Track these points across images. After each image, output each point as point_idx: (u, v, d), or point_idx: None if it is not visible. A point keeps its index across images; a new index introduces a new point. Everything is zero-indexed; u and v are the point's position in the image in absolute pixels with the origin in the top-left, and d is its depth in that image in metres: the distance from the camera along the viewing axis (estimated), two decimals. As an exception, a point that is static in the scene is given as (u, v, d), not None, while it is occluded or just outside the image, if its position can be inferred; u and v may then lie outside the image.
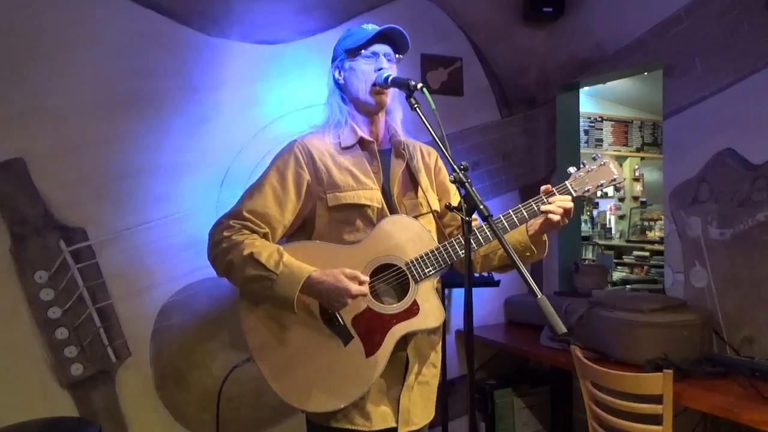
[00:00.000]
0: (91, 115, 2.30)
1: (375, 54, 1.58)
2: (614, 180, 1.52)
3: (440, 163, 1.78)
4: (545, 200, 1.51)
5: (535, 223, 1.55)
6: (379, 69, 1.56)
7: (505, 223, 1.51)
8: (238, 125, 2.56)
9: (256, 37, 2.61)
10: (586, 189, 1.53)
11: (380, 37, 1.58)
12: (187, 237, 2.41)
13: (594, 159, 1.55)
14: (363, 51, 1.58)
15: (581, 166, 1.56)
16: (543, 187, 1.53)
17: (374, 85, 1.56)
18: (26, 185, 2.20)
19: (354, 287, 1.44)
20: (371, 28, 1.60)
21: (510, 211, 1.52)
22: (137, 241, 2.38)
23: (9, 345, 2.18)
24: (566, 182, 1.54)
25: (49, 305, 2.23)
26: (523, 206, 1.52)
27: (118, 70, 2.34)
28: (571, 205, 1.50)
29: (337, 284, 1.44)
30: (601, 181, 1.53)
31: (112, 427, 2.33)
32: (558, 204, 1.49)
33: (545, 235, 1.59)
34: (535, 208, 1.51)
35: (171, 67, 2.43)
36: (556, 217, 1.48)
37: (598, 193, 1.55)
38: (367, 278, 1.48)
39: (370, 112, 1.62)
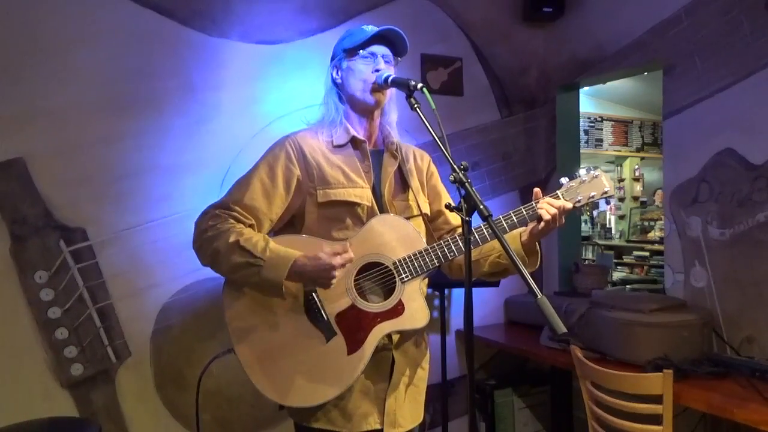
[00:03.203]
0: (91, 115, 2.30)
1: (373, 54, 1.59)
2: (605, 193, 1.53)
3: (433, 167, 1.79)
4: (535, 206, 1.51)
5: (527, 230, 1.54)
6: (377, 70, 1.57)
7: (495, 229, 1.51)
8: (238, 125, 2.56)
9: (256, 37, 2.61)
10: (578, 200, 1.53)
11: (379, 39, 1.59)
12: (187, 237, 2.36)
13: (587, 171, 1.56)
14: (361, 51, 1.59)
15: (574, 176, 1.56)
16: (534, 191, 1.53)
17: (372, 84, 1.57)
18: (26, 185, 2.20)
19: (336, 260, 1.43)
20: (371, 29, 1.61)
21: (500, 216, 1.53)
22: (137, 241, 2.38)
23: (9, 345, 2.18)
24: (558, 191, 1.55)
25: (49, 305, 2.23)
26: (513, 212, 1.53)
27: (118, 70, 2.34)
28: (561, 203, 1.50)
29: (319, 262, 1.43)
30: (593, 193, 1.53)
31: (112, 427, 2.33)
32: (548, 201, 1.49)
33: (537, 244, 1.58)
34: (525, 215, 1.51)
35: (171, 67, 2.43)
36: (547, 216, 1.47)
37: (594, 203, 1.56)
38: (348, 248, 1.46)
39: (366, 110, 1.63)
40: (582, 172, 1.57)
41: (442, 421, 2.86)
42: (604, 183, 1.54)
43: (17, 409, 2.12)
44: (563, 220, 1.50)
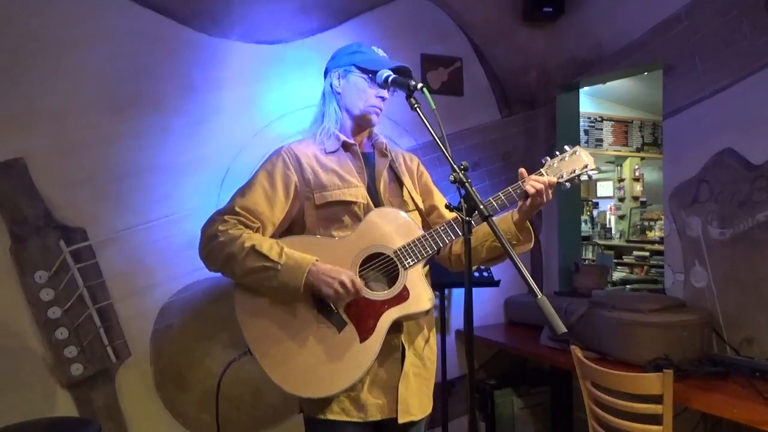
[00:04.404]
0: (91, 115, 2.30)
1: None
2: (586, 167, 1.61)
3: (422, 168, 1.86)
4: (521, 185, 1.57)
5: (517, 209, 1.61)
6: (381, 97, 1.65)
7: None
8: (238, 125, 2.56)
9: (256, 37, 2.61)
10: (560, 175, 1.60)
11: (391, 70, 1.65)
12: (187, 237, 2.41)
13: (567, 149, 1.64)
14: (371, 75, 1.64)
15: (555, 155, 1.63)
16: (520, 171, 1.59)
17: (372, 107, 1.65)
18: (26, 185, 2.20)
19: (347, 278, 1.50)
20: (382, 54, 1.70)
21: (491, 198, 1.58)
22: (137, 241, 2.38)
23: (9, 345, 2.18)
24: (541, 170, 1.61)
25: (49, 305, 2.23)
26: (502, 192, 1.59)
27: (119, 71, 2.34)
28: (546, 178, 1.56)
29: (332, 272, 1.50)
30: (574, 168, 1.61)
31: (112, 427, 2.33)
32: (533, 178, 1.56)
33: (529, 222, 1.64)
34: (513, 194, 1.58)
35: (171, 67, 2.43)
36: (532, 190, 1.53)
37: (579, 178, 1.62)
38: (362, 287, 1.54)
39: (360, 124, 1.71)
40: (563, 149, 1.64)
41: (442, 421, 2.86)
42: (584, 158, 1.61)
43: (17, 409, 2.12)
44: (551, 195, 1.57)
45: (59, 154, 2.25)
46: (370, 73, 1.64)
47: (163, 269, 2.42)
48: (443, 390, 2.85)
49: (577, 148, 1.63)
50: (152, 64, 2.40)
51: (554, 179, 1.58)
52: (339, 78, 1.68)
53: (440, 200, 1.81)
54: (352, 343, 1.55)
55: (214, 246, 1.56)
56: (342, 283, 1.49)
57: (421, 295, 1.60)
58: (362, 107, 1.66)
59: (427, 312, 1.65)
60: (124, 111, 2.35)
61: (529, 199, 1.55)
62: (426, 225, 1.76)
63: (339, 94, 1.68)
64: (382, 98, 1.66)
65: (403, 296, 1.58)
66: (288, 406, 2.58)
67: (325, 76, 1.74)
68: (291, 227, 1.68)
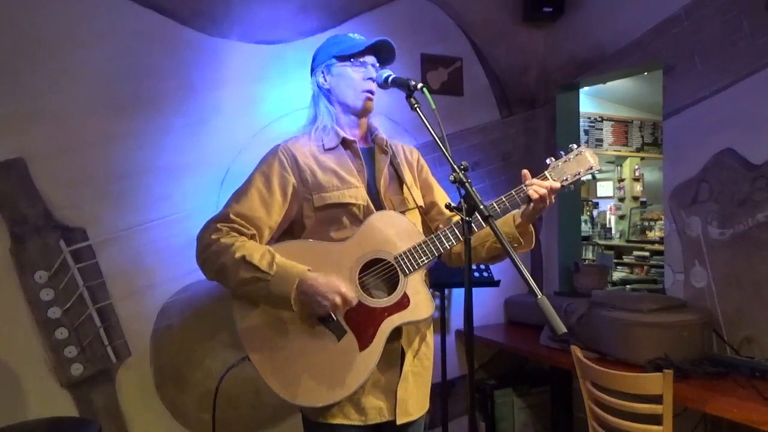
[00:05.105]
0: (91, 115, 2.30)
1: (364, 63, 1.64)
2: (590, 168, 1.57)
3: (422, 161, 1.83)
4: (524, 188, 1.54)
5: (519, 212, 1.59)
6: (369, 78, 1.62)
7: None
8: (238, 125, 2.56)
9: (256, 37, 2.61)
10: (564, 178, 1.57)
11: (370, 48, 1.64)
12: (187, 237, 2.40)
13: (571, 149, 1.59)
14: (353, 59, 1.63)
15: (560, 155, 1.60)
16: (523, 172, 1.56)
17: (364, 92, 1.62)
18: (26, 185, 2.20)
19: (344, 289, 1.46)
20: (359, 38, 1.67)
21: (493, 201, 1.56)
22: (137, 241, 2.38)
23: (9, 345, 2.18)
24: (545, 172, 1.58)
25: (49, 305, 2.23)
26: (505, 197, 1.56)
27: (118, 70, 2.34)
28: (549, 183, 1.53)
29: (329, 283, 1.46)
30: (578, 170, 1.57)
31: (112, 427, 2.33)
32: (536, 182, 1.53)
33: (531, 225, 1.62)
34: (516, 198, 1.55)
35: (171, 67, 2.43)
36: (536, 196, 1.50)
37: (582, 179, 1.59)
38: (355, 298, 1.50)
39: (357, 114, 1.67)
40: (567, 149, 1.60)
41: (442, 421, 2.86)
42: (588, 159, 1.58)
43: (17, 409, 2.12)
44: (553, 200, 1.54)
45: (59, 154, 2.25)
46: (351, 58, 1.62)
47: (163, 269, 2.42)
48: (443, 390, 2.86)
49: (582, 148, 1.59)
50: (152, 64, 2.40)
51: (558, 184, 1.54)
52: (324, 75, 1.67)
53: (440, 195, 1.79)
54: (352, 352, 1.52)
55: (207, 256, 1.53)
56: (334, 305, 1.45)
57: (422, 302, 1.57)
58: (354, 94, 1.62)
59: (427, 319, 1.63)
60: (124, 111, 2.35)
61: (531, 204, 1.52)
62: (425, 223, 1.75)
63: (328, 90, 1.66)
64: (372, 79, 1.62)
65: (403, 303, 1.55)
66: (288, 407, 2.56)
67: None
68: (291, 227, 1.66)
